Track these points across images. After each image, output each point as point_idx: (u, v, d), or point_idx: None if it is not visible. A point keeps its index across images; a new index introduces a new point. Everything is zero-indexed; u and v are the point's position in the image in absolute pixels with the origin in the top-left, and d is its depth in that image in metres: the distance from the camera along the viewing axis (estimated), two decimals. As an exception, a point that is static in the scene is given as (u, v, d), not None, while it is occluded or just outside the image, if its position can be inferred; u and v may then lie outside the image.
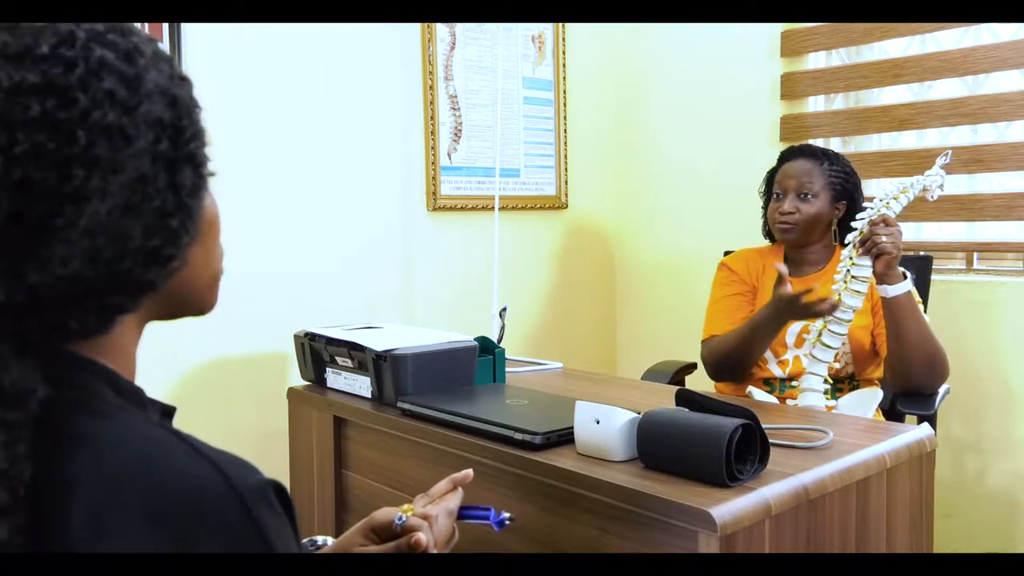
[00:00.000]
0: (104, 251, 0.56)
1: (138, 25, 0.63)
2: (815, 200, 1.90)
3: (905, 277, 1.70)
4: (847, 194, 1.93)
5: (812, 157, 1.94)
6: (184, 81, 0.64)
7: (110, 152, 0.55)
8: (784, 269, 1.71)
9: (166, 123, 0.60)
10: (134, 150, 0.57)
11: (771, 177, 2.02)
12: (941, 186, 1.73)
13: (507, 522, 1.06)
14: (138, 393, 0.64)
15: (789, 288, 1.68)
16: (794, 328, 1.88)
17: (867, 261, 1.67)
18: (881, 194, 1.71)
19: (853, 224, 1.71)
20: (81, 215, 0.54)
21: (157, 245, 0.60)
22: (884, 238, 1.65)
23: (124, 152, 0.56)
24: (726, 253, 2.20)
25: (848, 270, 1.69)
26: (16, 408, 0.54)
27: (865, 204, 1.73)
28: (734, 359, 1.88)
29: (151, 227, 0.59)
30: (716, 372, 1.95)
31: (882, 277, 1.68)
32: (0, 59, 0.53)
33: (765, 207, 2.06)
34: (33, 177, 0.53)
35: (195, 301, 0.69)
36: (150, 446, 0.57)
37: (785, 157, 2.00)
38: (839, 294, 1.68)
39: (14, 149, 0.52)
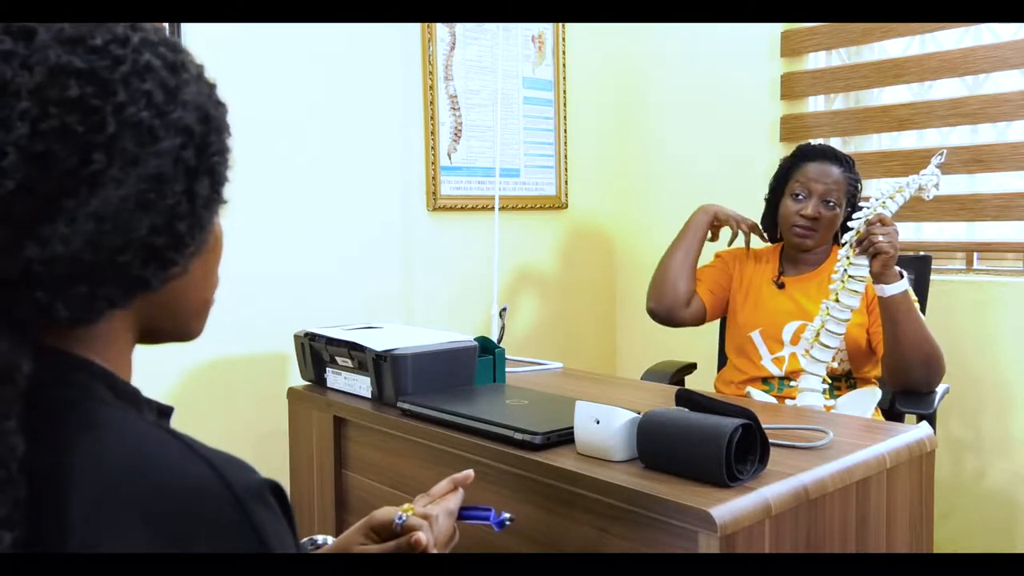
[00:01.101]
0: (107, 238, 0.57)
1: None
2: (836, 208, 1.89)
3: (902, 276, 1.70)
4: (852, 201, 1.93)
5: (838, 163, 1.91)
6: (222, 106, 0.66)
7: (135, 146, 0.57)
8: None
9: (195, 133, 0.61)
10: (158, 148, 0.58)
11: (786, 173, 1.97)
12: (936, 185, 1.73)
13: (507, 523, 1.06)
14: (135, 394, 0.64)
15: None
16: (790, 326, 1.88)
17: (864, 261, 1.67)
18: (877, 194, 1.72)
19: (850, 224, 1.72)
20: (93, 199, 0.55)
21: (161, 244, 0.60)
22: (881, 237, 1.64)
23: (148, 148, 0.57)
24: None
25: (845, 270, 1.69)
26: (3, 381, 0.54)
27: (861, 204, 1.72)
28: (659, 272, 2.06)
29: (159, 226, 0.59)
30: (649, 297, 2.09)
31: (879, 277, 1.68)
32: (54, 40, 0.55)
33: (773, 202, 2.02)
34: (55, 153, 0.54)
35: (183, 321, 0.69)
36: (147, 445, 0.57)
37: (807, 155, 1.94)
38: (836, 294, 1.68)
39: (42, 123, 0.53)
